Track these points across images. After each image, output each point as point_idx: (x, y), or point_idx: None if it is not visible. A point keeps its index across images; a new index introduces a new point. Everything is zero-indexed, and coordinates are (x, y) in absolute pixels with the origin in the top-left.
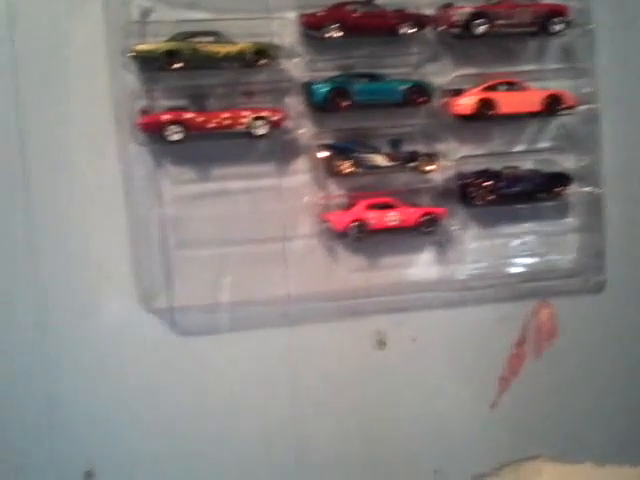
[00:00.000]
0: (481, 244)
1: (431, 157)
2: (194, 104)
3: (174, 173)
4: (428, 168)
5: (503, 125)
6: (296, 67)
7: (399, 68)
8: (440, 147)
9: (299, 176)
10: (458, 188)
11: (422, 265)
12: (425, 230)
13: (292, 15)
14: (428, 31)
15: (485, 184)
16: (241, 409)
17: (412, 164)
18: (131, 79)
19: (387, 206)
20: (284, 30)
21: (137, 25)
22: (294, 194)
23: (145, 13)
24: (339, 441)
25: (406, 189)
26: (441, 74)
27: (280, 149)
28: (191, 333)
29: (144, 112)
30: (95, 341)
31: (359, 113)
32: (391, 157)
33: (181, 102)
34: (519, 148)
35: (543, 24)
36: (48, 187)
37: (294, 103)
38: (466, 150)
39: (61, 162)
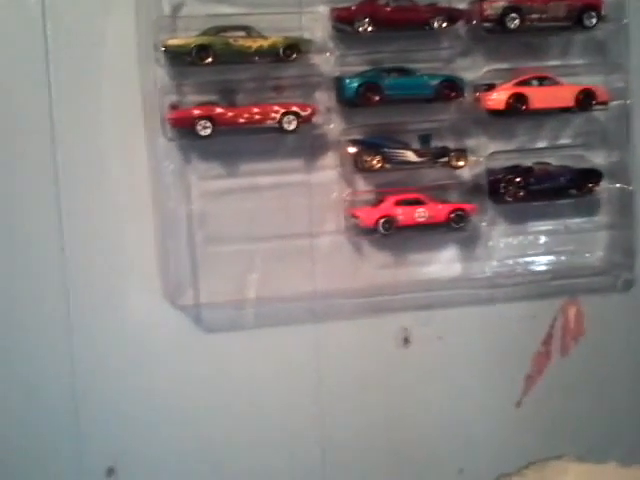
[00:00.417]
0: (509, 241)
1: (462, 153)
2: (223, 99)
3: (202, 168)
4: (459, 164)
5: (533, 120)
6: (326, 62)
7: (430, 63)
8: (469, 143)
9: (327, 172)
10: (488, 184)
11: (449, 262)
12: (455, 226)
13: (323, 9)
14: (460, 25)
15: (516, 180)
16: (266, 406)
17: (442, 160)
18: (161, 74)
19: (416, 202)
20: (314, 24)
21: (168, 20)
22: (322, 190)
23: (176, 8)
24: (364, 439)
25: (434, 185)
26: (472, 69)
27: (309, 144)
28: (217, 330)
29: (173, 107)
30: (120, 337)
31: (388, 108)
32: (421, 153)
33: (210, 97)
34: (549, 144)
35: (577, 18)
36: (77, 181)
37: (323, 98)
38: (495, 146)
39: (90, 156)
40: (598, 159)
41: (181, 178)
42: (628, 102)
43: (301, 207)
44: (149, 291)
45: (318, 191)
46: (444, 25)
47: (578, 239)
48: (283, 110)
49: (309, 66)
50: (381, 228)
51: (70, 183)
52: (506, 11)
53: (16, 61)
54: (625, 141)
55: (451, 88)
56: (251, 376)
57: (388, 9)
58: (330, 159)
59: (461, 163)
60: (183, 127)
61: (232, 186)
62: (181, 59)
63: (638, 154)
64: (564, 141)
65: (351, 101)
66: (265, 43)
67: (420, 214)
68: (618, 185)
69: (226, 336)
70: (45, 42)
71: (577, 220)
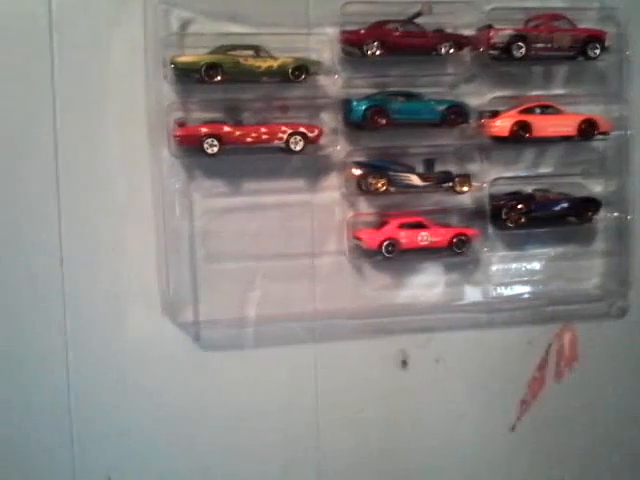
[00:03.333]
0: (508, 266)
1: (466, 178)
2: (229, 117)
3: (206, 186)
4: (463, 189)
5: (533, 148)
6: (332, 83)
7: (435, 88)
8: (471, 168)
9: (330, 193)
10: (491, 210)
11: (448, 285)
12: (457, 251)
13: (331, 31)
14: (465, 52)
15: (518, 206)
16: (263, 425)
17: (446, 184)
18: (167, 90)
19: (418, 225)
20: (322, 46)
21: (176, 37)
22: (325, 210)
23: (184, 24)
24: (360, 459)
25: (436, 209)
26: (476, 95)
27: (312, 165)
28: (216, 348)
29: (180, 124)
30: (118, 352)
31: (393, 132)
32: (425, 177)
33: (215, 115)
34: (549, 171)
35: (581, 48)
36: (78, 195)
37: (328, 120)
38: (496, 172)
39: (93, 170)
40: (596, 188)
41: (184, 195)
42: (628, 132)
43: (303, 227)
44: (149, 307)
45: (321, 212)
46: (451, 51)
47: (574, 266)
48: (290, 130)
49: (316, 87)
50: (384, 251)
51: (72, 196)
52: (513, 40)
53: (21, 74)
54: (623, 171)
55: (457, 114)
56: (249, 395)
57: (397, 34)
58: (334, 180)
59: (465, 188)
60: (190, 145)
61: (235, 204)
62: (188, 76)
63: (636, 184)
64: (564, 169)
65: (358, 124)
66: (274, 63)
67: (423, 238)
68: (615, 214)
69: (225, 354)
70: (51, 55)
71: (574, 247)
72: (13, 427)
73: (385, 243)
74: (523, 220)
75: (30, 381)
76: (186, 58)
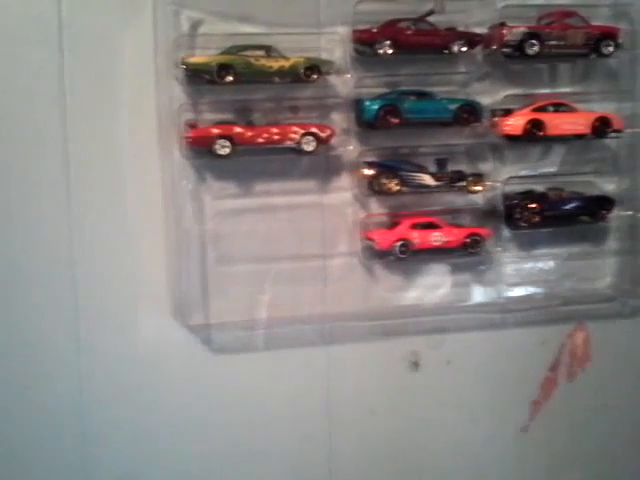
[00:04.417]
0: (521, 266)
1: (479, 177)
2: (240, 118)
3: (216, 188)
4: (476, 188)
5: (544, 146)
6: (343, 83)
7: (446, 86)
8: (483, 167)
9: (341, 193)
10: (504, 209)
11: (460, 286)
12: (470, 251)
13: (343, 30)
14: (477, 50)
15: (531, 206)
16: (275, 427)
17: (459, 184)
18: (178, 92)
19: (431, 226)
20: (334, 45)
21: (187, 38)
22: (336, 211)
23: (195, 25)
24: (372, 461)
25: (448, 209)
26: (488, 93)
27: (323, 166)
28: (227, 350)
29: (191, 126)
30: (129, 355)
31: (404, 131)
32: (438, 177)
33: (226, 116)
34: (561, 170)
35: (595, 46)
36: (89, 197)
37: (339, 119)
38: (507, 171)
39: (103, 173)
40: (609, 186)
41: (195, 197)
42: None
43: (314, 228)
44: (159, 310)
45: (332, 213)
46: (463, 49)
47: (587, 265)
48: (302, 131)
49: (327, 87)
50: (397, 251)
51: (82, 199)
52: (526, 37)
53: (31, 76)
54: (636, 169)
55: (469, 112)
56: (260, 398)
57: (409, 32)
58: (345, 181)
59: (478, 188)
60: (201, 146)
61: (246, 206)
62: (199, 77)
63: None
64: (576, 168)
65: (370, 123)
66: (286, 63)
67: (436, 238)
68: (628, 213)
69: (236, 357)
70: (61, 57)
71: (586, 246)
72: (25, 431)
73: (398, 244)
74: (536, 219)
75: (42, 385)
76: (198, 59)
